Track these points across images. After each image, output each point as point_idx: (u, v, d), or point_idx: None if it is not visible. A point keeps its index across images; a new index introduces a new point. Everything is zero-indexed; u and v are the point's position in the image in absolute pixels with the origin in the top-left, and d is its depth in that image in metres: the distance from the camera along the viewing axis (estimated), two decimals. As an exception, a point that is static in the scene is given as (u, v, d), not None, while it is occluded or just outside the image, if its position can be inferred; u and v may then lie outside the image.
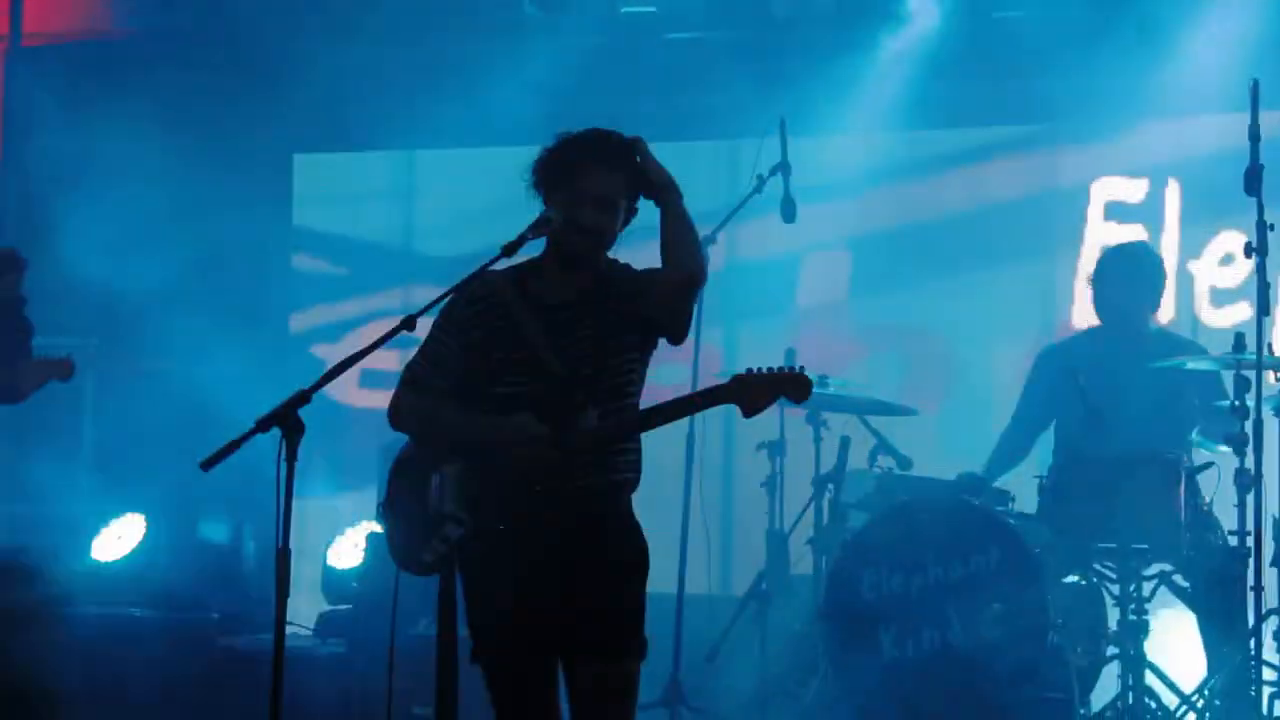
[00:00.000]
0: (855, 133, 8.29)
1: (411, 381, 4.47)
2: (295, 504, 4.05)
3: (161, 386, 8.67)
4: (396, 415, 4.49)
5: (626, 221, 4.41)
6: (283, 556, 4.01)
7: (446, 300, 4.40)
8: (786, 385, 4.10)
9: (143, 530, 8.50)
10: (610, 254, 4.44)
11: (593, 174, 4.32)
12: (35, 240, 8.14)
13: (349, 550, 8.20)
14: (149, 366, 8.63)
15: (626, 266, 4.45)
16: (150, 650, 7.17)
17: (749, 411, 4.13)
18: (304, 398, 4.03)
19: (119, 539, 8.47)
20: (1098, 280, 7.01)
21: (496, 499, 4.31)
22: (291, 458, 4.00)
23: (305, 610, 8.12)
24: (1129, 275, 6.94)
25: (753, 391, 4.11)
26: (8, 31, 9.29)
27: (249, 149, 8.95)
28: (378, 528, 7.79)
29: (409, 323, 4.14)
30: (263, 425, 3.99)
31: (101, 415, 8.49)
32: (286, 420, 4.00)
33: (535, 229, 4.32)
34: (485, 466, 4.32)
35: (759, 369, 4.15)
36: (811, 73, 8.09)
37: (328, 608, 8.24)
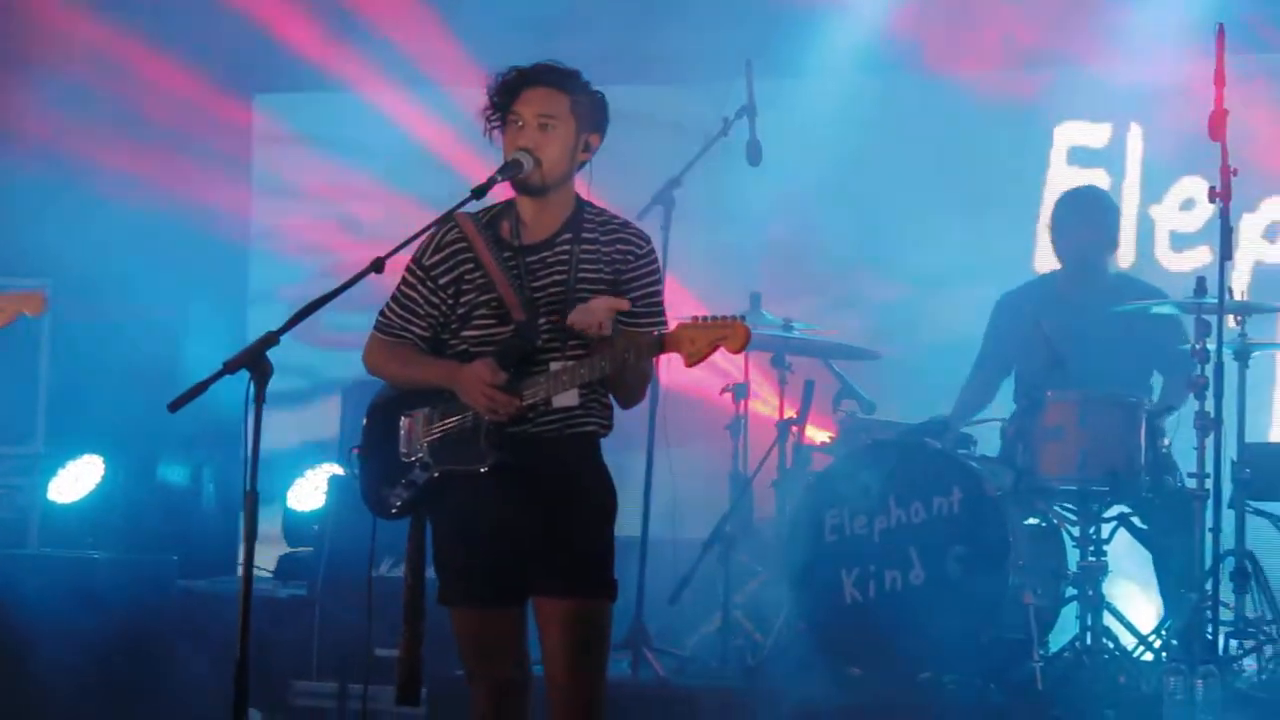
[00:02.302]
0: (821, 76, 8.27)
1: (383, 327, 4.48)
2: (264, 447, 4.02)
3: (119, 329, 8.62)
4: (368, 360, 4.51)
5: (581, 151, 4.37)
6: (251, 499, 3.98)
7: (416, 244, 4.39)
8: (725, 333, 4.10)
9: (101, 472, 8.48)
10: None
11: (531, 95, 4.31)
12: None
13: (309, 493, 8.20)
14: (106, 309, 8.57)
15: (602, 211, 4.44)
16: (109, 592, 7.15)
17: (690, 361, 4.13)
18: (272, 339, 4.01)
19: (76, 481, 8.44)
20: (1055, 225, 7.03)
21: (464, 443, 4.31)
22: (260, 400, 3.98)
23: (264, 553, 8.12)
24: (1084, 219, 6.98)
25: (692, 340, 4.11)
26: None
27: (209, 89, 8.87)
28: (339, 470, 7.79)
29: (378, 265, 4.13)
30: (231, 367, 3.97)
31: (58, 358, 8.43)
32: (255, 362, 3.98)
33: (504, 172, 4.32)
34: (451, 411, 4.33)
35: (701, 318, 4.15)
36: (779, 15, 8.07)
37: (287, 550, 8.25)
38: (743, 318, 4.13)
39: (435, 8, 8.40)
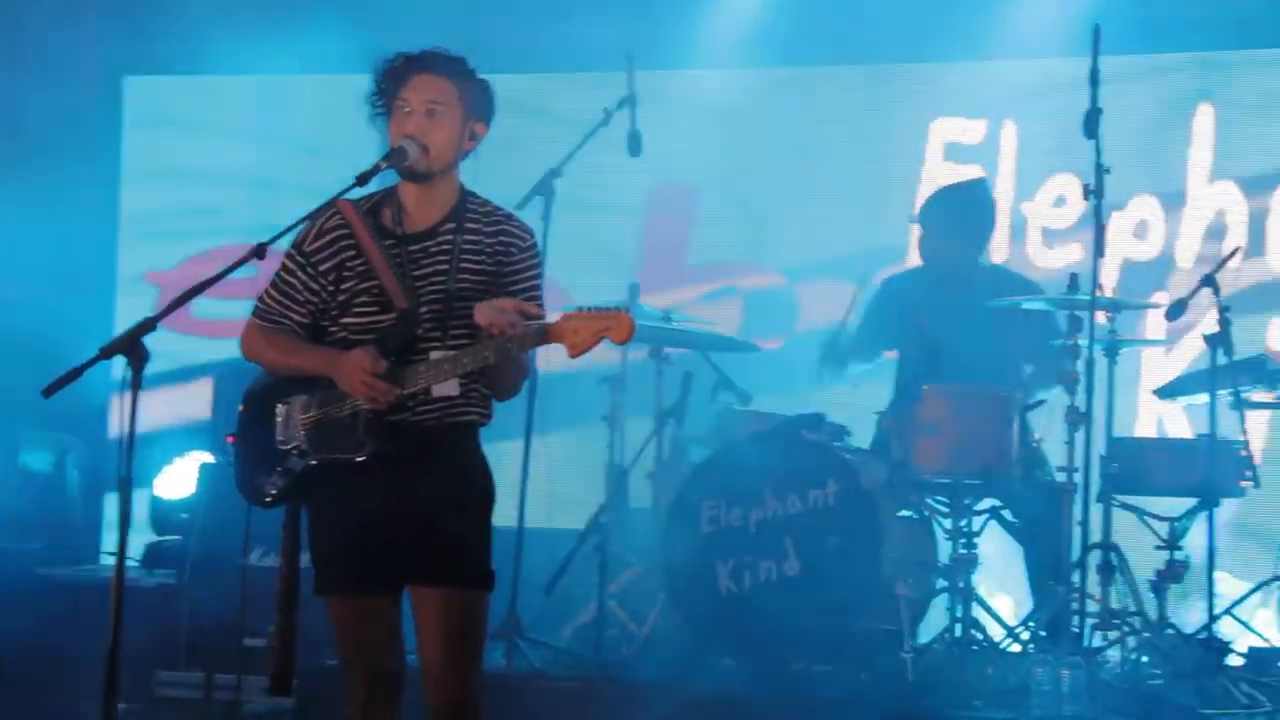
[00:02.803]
0: (700, 68, 8.29)
1: (262, 313, 4.41)
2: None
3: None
4: (246, 346, 4.45)
5: (467, 139, 4.34)
6: (125, 485, 3.92)
7: (298, 231, 4.33)
8: (610, 324, 4.09)
9: (-40, 459, 8.31)
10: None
11: (419, 81, 4.28)
12: None
13: (178, 480, 8.08)
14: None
15: (486, 202, 4.41)
16: (-33, 580, 7.02)
17: (574, 352, 4.12)
18: (150, 325, 3.94)
19: (-66, 468, 8.27)
20: (924, 220, 7.05)
21: (342, 432, 4.27)
22: (136, 385, 3.91)
23: (131, 540, 7.98)
24: (955, 217, 6.99)
25: (576, 331, 4.10)
26: None
27: (74, 67, 8.71)
28: (209, 458, 7.69)
29: (259, 251, 4.07)
30: (107, 352, 3.90)
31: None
32: (132, 348, 3.91)
33: (390, 158, 4.27)
34: (329, 399, 4.28)
35: (585, 308, 4.14)
36: (660, 7, 8.08)
37: (155, 538, 8.13)
38: (628, 309, 4.12)
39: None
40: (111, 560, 8.59)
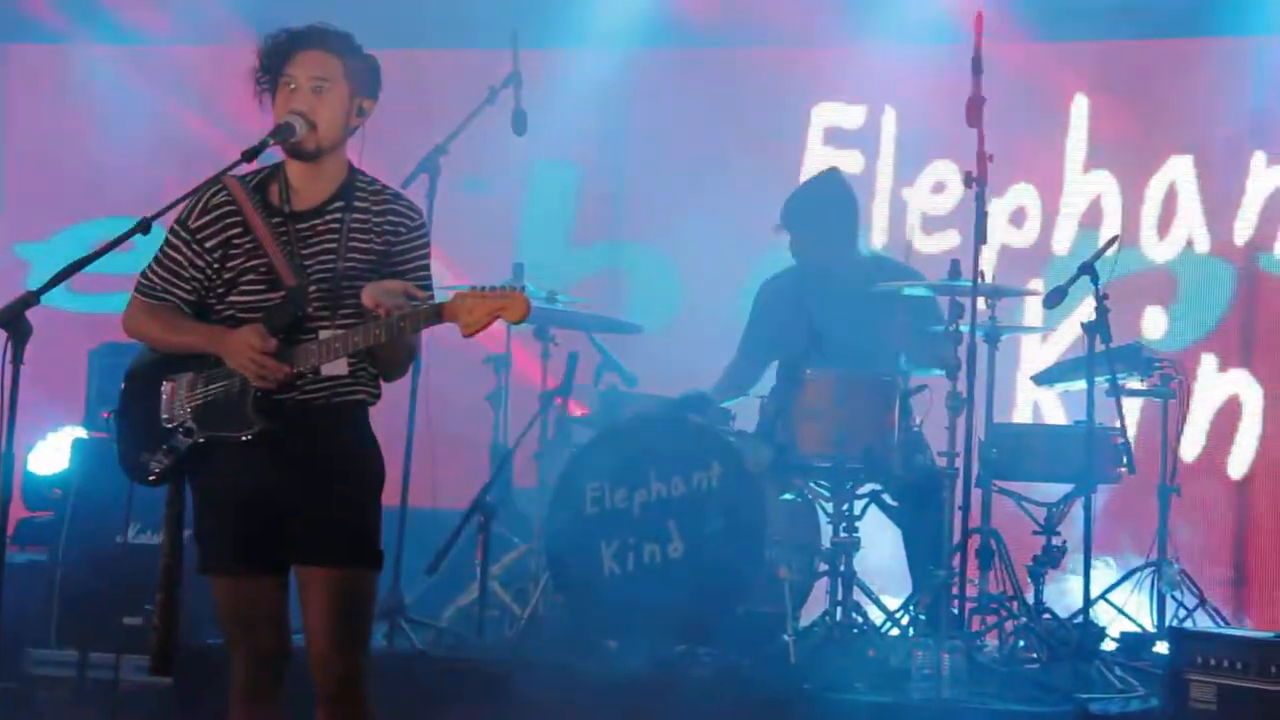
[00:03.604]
0: (587, 47, 8.27)
1: (145, 289, 4.35)
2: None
3: None
4: (129, 323, 4.39)
5: (355, 116, 4.30)
6: (3, 462, 3.84)
7: (182, 206, 4.27)
8: (504, 304, 4.08)
9: None
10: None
11: (304, 58, 4.24)
12: None
13: (51, 456, 7.95)
14: None
15: (374, 181, 4.37)
16: None
17: (468, 331, 4.10)
18: (32, 299, 3.88)
19: None
20: (788, 224, 6.98)
21: (229, 410, 4.22)
22: (18, 361, 3.84)
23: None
24: (817, 212, 6.97)
25: (471, 310, 4.08)
26: None
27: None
28: (83, 433, 7.56)
29: (144, 225, 4.01)
30: (-15, 327, 3.82)
31: None
32: (14, 322, 3.84)
33: (277, 134, 4.23)
34: (216, 376, 4.23)
35: (479, 287, 4.12)
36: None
37: (26, 514, 7.98)
38: (522, 288, 4.10)
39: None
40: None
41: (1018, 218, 8.26)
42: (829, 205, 7.02)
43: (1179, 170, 8.08)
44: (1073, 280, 6.45)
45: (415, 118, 7.23)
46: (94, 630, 6.87)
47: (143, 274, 4.36)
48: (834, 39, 8.33)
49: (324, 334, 4.21)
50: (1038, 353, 7.99)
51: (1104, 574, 6.85)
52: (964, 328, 6.29)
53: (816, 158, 8.36)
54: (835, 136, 8.45)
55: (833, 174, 7.29)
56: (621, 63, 8.36)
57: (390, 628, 6.40)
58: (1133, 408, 7.54)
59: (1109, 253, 6.63)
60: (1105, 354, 6.42)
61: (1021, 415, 7.90)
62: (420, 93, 7.91)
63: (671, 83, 8.48)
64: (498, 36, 7.05)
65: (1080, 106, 8.22)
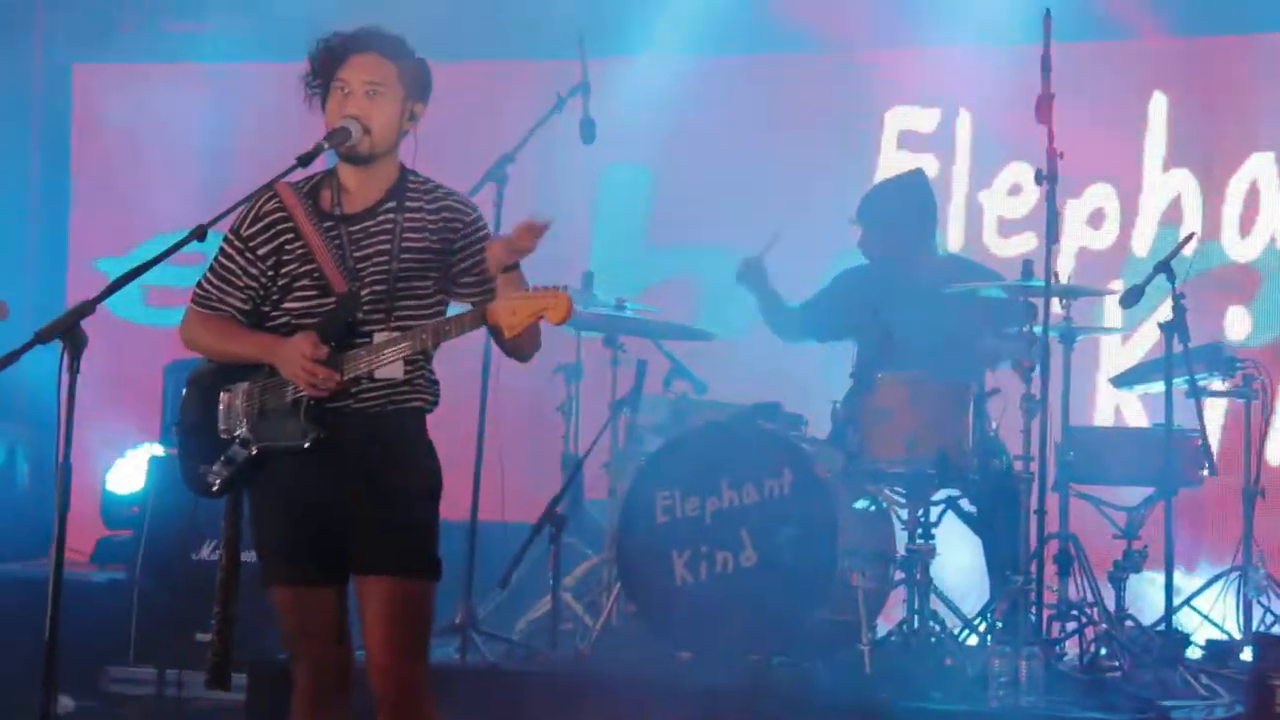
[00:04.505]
0: (656, 55, 8.23)
1: (200, 299, 4.34)
2: (75, 426, 3.87)
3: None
4: (185, 334, 4.37)
5: (407, 120, 4.26)
6: (62, 472, 3.83)
7: (237, 214, 4.26)
8: (547, 304, 4.03)
9: (-95, 450, 8.22)
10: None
11: (358, 61, 4.21)
12: None
13: (129, 474, 8.00)
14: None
15: (427, 180, 4.34)
16: (-82, 574, 6.92)
17: (511, 333, 4.06)
18: (88, 308, 3.86)
19: (-125, 460, 8.17)
20: (863, 219, 6.93)
21: (285, 419, 4.20)
22: (73, 370, 3.82)
23: (84, 537, 7.93)
24: (894, 210, 6.89)
25: (514, 311, 4.04)
26: None
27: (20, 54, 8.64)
28: (160, 451, 7.60)
29: (199, 233, 3.98)
30: (43, 336, 3.80)
31: None
32: (69, 331, 3.82)
33: (332, 139, 4.20)
34: (271, 386, 4.21)
35: (523, 287, 4.09)
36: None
37: (106, 533, 8.05)
38: (565, 289, 4.05)
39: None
40: (68, 555, 8.52)
41: (1096, 218, 8.14)
42: (904, 204, 6.94)
43: (1260, 167, 7.95)
44: (1149, 279, 6.32)
45: (486, 128, 7.23)
46: (170, 648, 6.91)
47: (198, 284, 4.35)
48: (907, 42, 8.24)
49: (378, 338, 4.17)
50: (1119, 355, 7.86)
51: (1188, 579, 6.72)
52: (1037, 329, 6.17)
53: (891, 162, 8.27)
54: (910, 140, 8.37)
55: (916, 174, 7.22)
56: (694, 68, 8.31)
57: (462, 642, 6.36)
58: (1217, 409, 7.43)
59: (1186, 250, 6.51)
60: (1184, 354, 6.28)
61: (1103, 418, 7.78)
62: (490, 103, 7.90)
63: (744, 88, 8.41)
64: (567, 46, 7.02)
65: (1159, 104, 8.10)
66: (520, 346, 4.23)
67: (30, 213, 8.80)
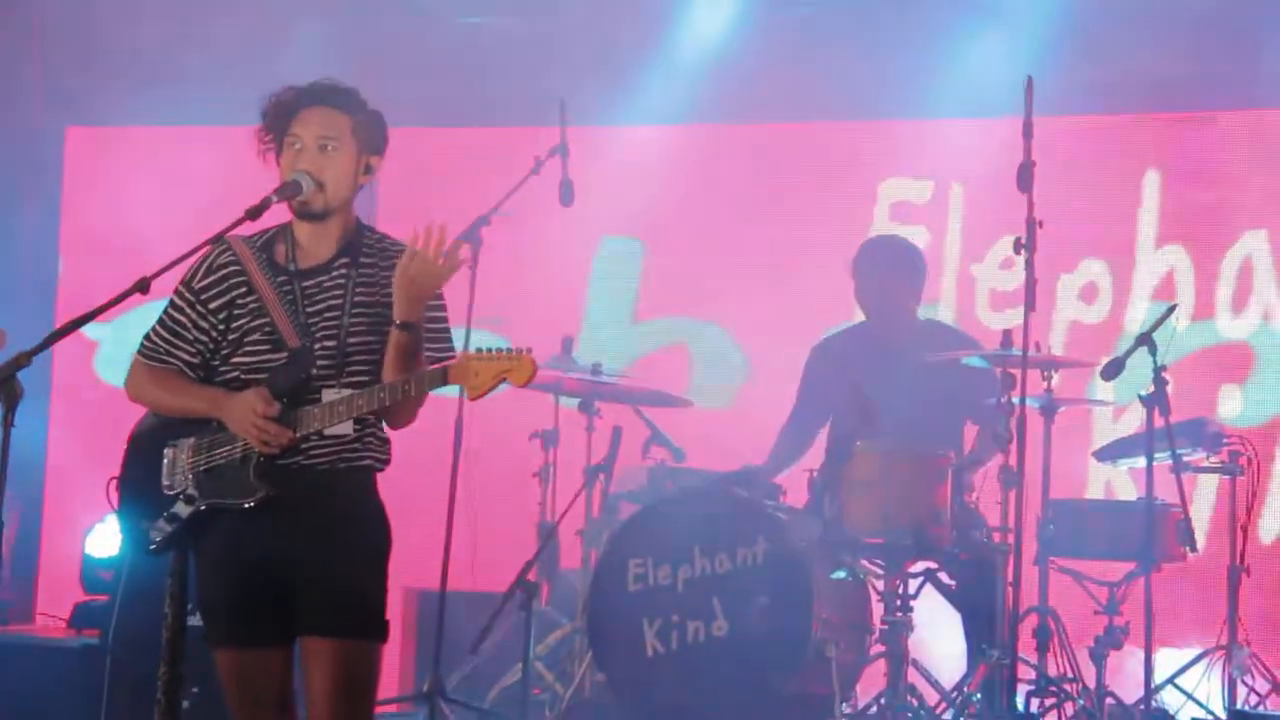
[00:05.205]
0: (647, 124, 8.23)
1: (148, 352, 4.28)
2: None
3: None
4: (131, 387, 4.32)
5: (362, 173, 4.22)
6: (-1, 531, 3.79)
7: (185, 266, 4.22)
8: (510, 366, 3.97)
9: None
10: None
11: (309, 115, 4.18)
12: None
13: (108, 538, 7.93)
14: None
15: (383, 237, 4.29)
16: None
17: (474, 394, 4.00)
18: (24, 360, 3.83)
19: None
20: (857, 274, 6.96)
21: (232, 476, 4.13)
22: (8, 424, 3.78)
23: (64, 600, 7.88)
24: (886, 263, 6.92)
25: (477, 373, 3.98)
26: None
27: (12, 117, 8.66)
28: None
29: (143, 285, 3.96)
30: (-24, 389, 3.77)
31: None
32: (5, 383, 3.79)
33: (282, 192, 4.16)
34: (218, 442, 4.15)
35: (486, 349, 4.03)
36: (600, 61, 8.02)
37: (86, 598, 7.97)
38: (529, 351, 4.00)
39: (248, 52, 8.24)
40: (46, 620, 8.41)
41: (1088, 293, 8.08)
42: (899, 253, 6.96)
43: (1253, 245, 7.88)
44: (1130, 351, 6.27)
45: (471, 192, 7.20)
46: (143, 713, 6.80)
47: (146, 336, 4.30)
48: (900, 114, 8.22)
49: (329, 395, 4.11)
50: (1109, 429, 7.76)
51: (1172, 657, 6.60)
52: (1016, 399, 6.10)
53: (883, 233, 8.21)
54: (902, 212, 8.33)
55: (905, 239, 7.27)
56: (683, 139, 8.30)
57: (431, 710, 6.27)
58: (1208, 485, 7.34)
59: (1175, 323, 6.45)
60: (1165, 429, 6.19)
61: (1094, 493, 7.68)
62: (476, 168, 7.88)
63: (737, 158, 8.40)
64: (549, 113, 7.00)
65: (1152, 180, 8.05)
66: (398, 415, 4.16)
67: (20, 271, 8.78)
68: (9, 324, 8.64)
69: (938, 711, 6.24)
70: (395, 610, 4.22)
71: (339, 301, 4.17)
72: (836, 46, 8.00)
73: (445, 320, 4.28)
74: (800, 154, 8.42)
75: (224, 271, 4.21)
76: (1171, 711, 6.30)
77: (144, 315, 4.14)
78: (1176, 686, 6.47)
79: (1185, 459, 6.37)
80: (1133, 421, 7.72)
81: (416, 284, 4.06)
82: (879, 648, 6.25)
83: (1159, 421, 6.20)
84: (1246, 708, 6.34)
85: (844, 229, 8.23)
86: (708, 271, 8.32)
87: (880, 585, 6.29)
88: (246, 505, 4.12)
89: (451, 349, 4.23)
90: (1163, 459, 6.26)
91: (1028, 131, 6.10)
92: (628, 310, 8.55)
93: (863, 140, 8.39)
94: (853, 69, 8.05)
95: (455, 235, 6.35)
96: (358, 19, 8.34)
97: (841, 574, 6.37)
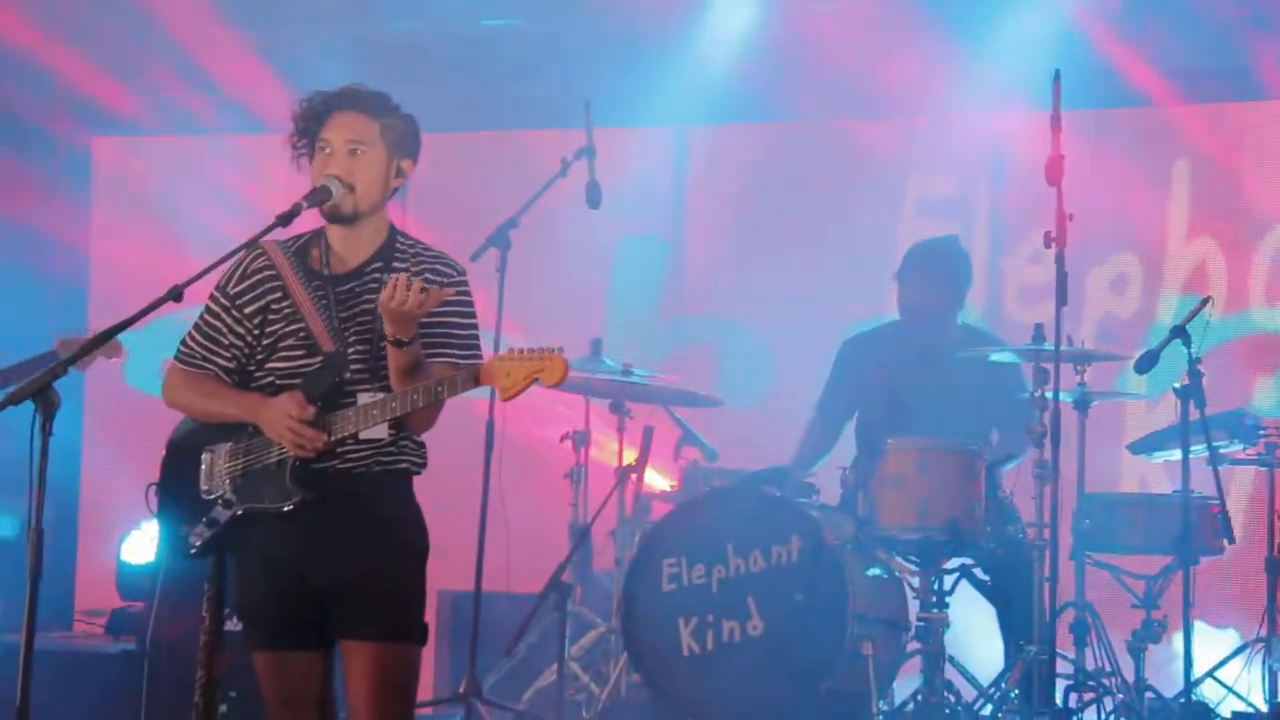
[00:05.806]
0: (673, 124, 8.22)
1: (184, 357, 4.29)
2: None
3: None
4: (167, 393, 4.32)
5: (394, 177, 4.22)
6: (36, 536, 3.79)
7: (220, 272, 4.23)
8: (542, 366, 3.97)
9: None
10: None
11: (339, 120, 4.18)
12: None
13: (144, 545, 7.96)
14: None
15: (416, 242, 4.29)
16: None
17: (506, 395, 3.99)
18: (60, 370, 3.84)
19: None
20: (904, 277, 6.92)
21: (269, 480, 4.14)
22: (46, 432, 3.79)
23: (102, 606, 7.92)
24: (934, 272, 6.88)
25: (508, 373, 3.98)
26: None
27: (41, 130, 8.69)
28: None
29: (176, 293, 3.96)
30: (14, 398, 3.78)
31: None
32: (42, 393, 3.80)
33: (312, 198, 4.16)
34: (255, 447, 4.16)
35: (517, 349, 4.02)
36: (626, 61, 8.02)
37: (121, 605, 8.01)
38: (561, 350, 3.99)
39: (274, 59, 8.25)
40: (85, 625, 8.45)
41: (1119, 285, 8.05)
42: (948, 261, 6.91)
43: (1285, 235, 7.86)
44: (1164, 343, 6.24)
45: (502, 195, 7.21)
46: (182, 719, 6.81)
47: (182, 342, 4.31)
48: (928, 109, 8.20)
49: (363, 398, 4.11)
50: (1143, 422, 7.73)
51: (1212, 649, 6.57)
52: (1049, 394, 6.07)
53: (911, 229, 8.20)
54: (929, 207, 8.31)
55: (954, 238, 7.19)
56: (710, 138, 8.29)
57: (467, 711, 6.28)
58: (1244, 477, 7.31)
59: (1208, 314, 6.40)
60: (1201, 420, 6.16)
61: (1127, 487, 7.65)
62: (504, 171, 7.89)
63: (763, 156, 8.40)
64: (574, 114, 7.00)
65: (1181, 172, 8.02)
66: (416, 420, 4.14)
67: (51, 283, 8.82)
68: (43, 334, 8.71)
69: (975, 708, 6.21)
70: (430, 612, 4.21)
71: (372, 306, 4.17)
72: (861, 43, 7.98)
73: (474, 323, 4.28)
74: (826, 151, 8.41)
75: (259, 276, 4.22)
76: (1212, 705, 6.25)
77: (172, 322, 4.15)
78: (1217, 680, 6.43)
79: (1221, 451, 6.33)
80: (1166, 414, 7.69)
81: (400, 312, 4.01)
82: (915, 645, 6.23)
83: (1194, 414, 6.15)
84: (1286, 699, 6.30)
85: (871, 225, 8.23)
86: (734, 270, 8.32)
87: (915, 582, 6.26)
88: (284, 509, 4.12)
89: (479, 352, 4.23)
90: (1198, 452, 6.22)
91: (1055, 124, 6.06)
92: (653, 310, 8.55)
93: (889, 136, 8.38)
94: (878, 65, 8.02)
95: (484, 239, 6.44)
96: (380, 23, 8.35)
97: (876, 571, 6.35)
